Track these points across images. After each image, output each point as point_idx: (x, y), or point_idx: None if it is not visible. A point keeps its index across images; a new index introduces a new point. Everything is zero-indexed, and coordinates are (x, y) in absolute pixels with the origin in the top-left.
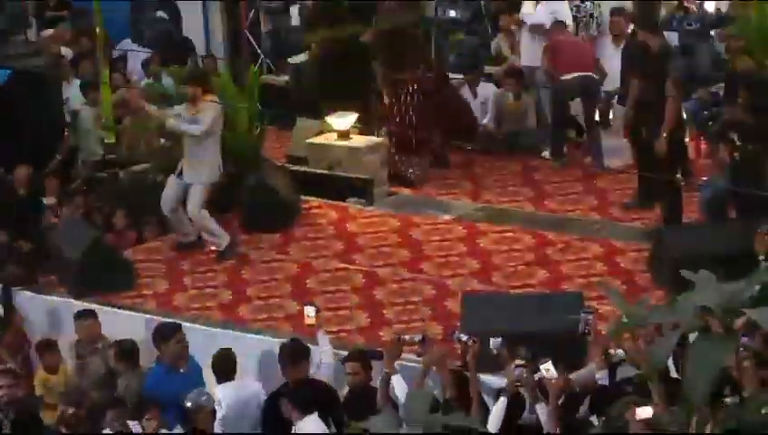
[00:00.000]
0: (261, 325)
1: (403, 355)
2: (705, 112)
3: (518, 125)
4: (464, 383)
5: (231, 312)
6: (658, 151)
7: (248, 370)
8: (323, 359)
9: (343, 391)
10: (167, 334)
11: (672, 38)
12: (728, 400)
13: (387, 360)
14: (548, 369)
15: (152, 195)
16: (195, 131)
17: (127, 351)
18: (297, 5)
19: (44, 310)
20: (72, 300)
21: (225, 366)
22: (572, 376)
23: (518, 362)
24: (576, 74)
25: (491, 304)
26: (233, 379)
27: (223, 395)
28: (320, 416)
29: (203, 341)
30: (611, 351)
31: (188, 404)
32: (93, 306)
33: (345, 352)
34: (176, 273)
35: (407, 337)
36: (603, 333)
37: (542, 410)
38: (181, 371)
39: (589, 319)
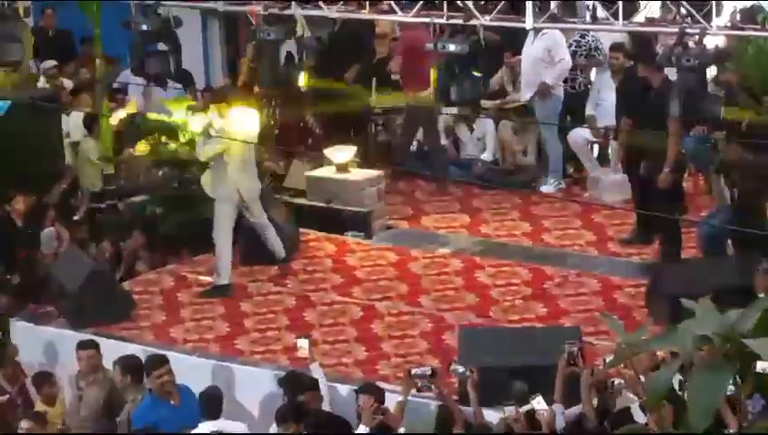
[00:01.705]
0: (258, 358)
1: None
2: (704, 148)
3: (518, 160)
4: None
5: (228, 344)
6: (659, 187)
7: (244, 402)
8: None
9: None
10: (151, 366)
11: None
12: (732, 431)
13: (403, 390)
14: (539, 403)
15: (150, 226)
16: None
17: (132, 366)
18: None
19: (42, 341)
20: (70, 331)
21: (211, 404)
22: (567, 412)
23: (506, 402)
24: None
25: (488, 338)
26: (218, 417)
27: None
28: None
29: (199, 373)
30: (614, 381)
31: None
32: (91, 338)
33: (340, 385)
34: (173, 305)
35: (418, 371)
36: (598, 366)
37: None
38: (171, 402)
39: (573, 351)
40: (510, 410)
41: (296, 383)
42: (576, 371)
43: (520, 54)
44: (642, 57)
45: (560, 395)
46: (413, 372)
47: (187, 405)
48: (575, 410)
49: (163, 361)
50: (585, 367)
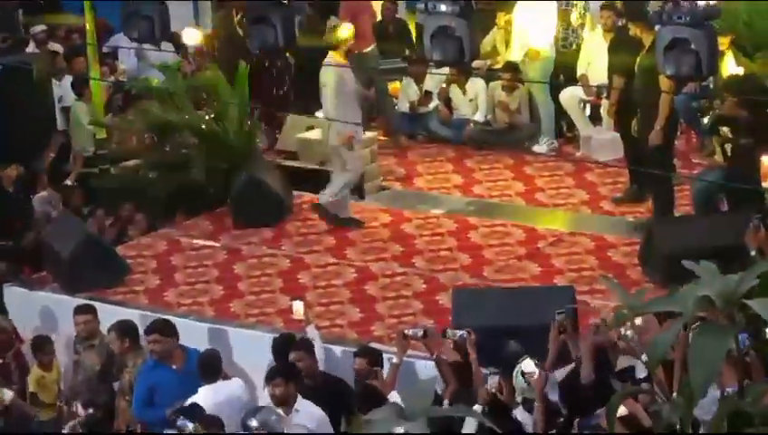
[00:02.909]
0: (253, 320)
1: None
2: (696, 105)
3: (511, 119)
4: (462, 375)
5: (223, 307)
6: (652, 145)
7: (241, 365)
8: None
9: None
10: (146, 331)
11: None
12: (729, 390)
13: (397, 352)
14: (527, 365)
15: (142, 191)
16: None
17: (129, 329)
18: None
19: (37, 306)
20: (65, 296)
21: (210, 367)
22: (557, 373)
23: (491, 369)
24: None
25: (481, 299)
26: (217, 380)
27: (204, 398)
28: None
29: (194, 336)
30: (624, 331)
31: (253, 422)
32: (88, 302)
33: (335, 347)
34: (167, 268)
35: (410, 331)
36: (590, 324)
37: (522, 416)
38: (173, 366)
39: (563, 319)
40: (493, 381)
41: (284, 343)
42: (566, 339)
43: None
44: (632, 16)
45: (551, 364)
46: (406, 332)
47: (190, 369)
48: (567, 368)
49: (156, 326)
50: (577, 333)
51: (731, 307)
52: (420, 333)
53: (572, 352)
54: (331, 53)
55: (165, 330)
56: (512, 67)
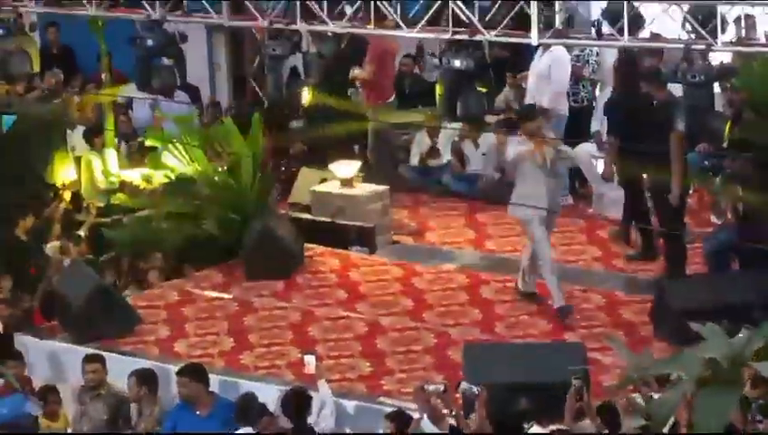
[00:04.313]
0: (263, 373)
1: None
2: (708, 164)
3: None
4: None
5: (233, 359)
6: (665, 204)
7: None
8: (324, 408)
9: None
10: (177, 373)
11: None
12: None
13: (419, 408)
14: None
15: (154, 242)
16: None
17: (148, 377)
18: (300, 54)
19: (46, 355)
20: (75, 345)
21: (246, 410)
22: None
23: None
24: None
25: (492, 354)
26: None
27: None
28: None
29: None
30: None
31: None
32: (97, 352)
33: (345, 401)
34: (178, 319)
35: (430, 387)
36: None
37: None
38: (197, 412)
39: (579, 385)
40: (435, 388)
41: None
42: (584, 406)
43: (523, 73)
44: (645, 74)
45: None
46: (426, 388)
47: (216, 416)
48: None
49: (187, 369)
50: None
51: (737, 369)
52: (441, 388)
53: (587, 416)
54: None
55: (195, 375)
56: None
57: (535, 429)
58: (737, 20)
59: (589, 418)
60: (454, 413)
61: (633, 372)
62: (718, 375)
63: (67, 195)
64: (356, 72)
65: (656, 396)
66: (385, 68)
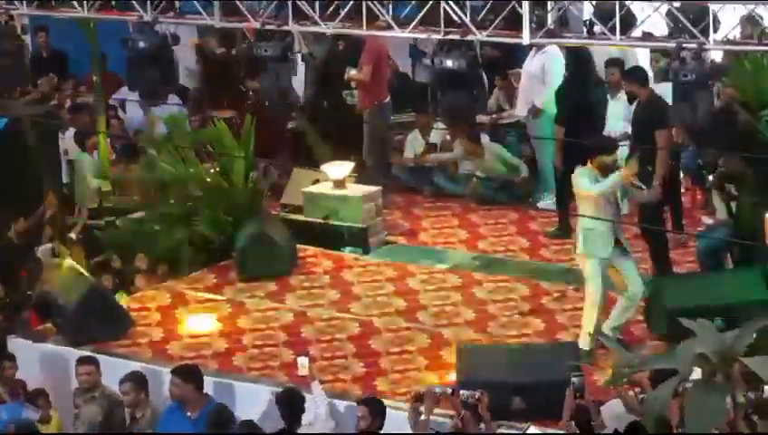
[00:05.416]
0: (256, 374)
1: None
2: (701, 162)
3: (514, 175)
4: None
5: (226, 360)
6: (651, 200)
7: (243, 418)
8: (318, 410)
9: None
10: (171, 372)
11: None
12: None
13: (426, 410)
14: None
15: (148, 243)
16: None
17: (143, 380)
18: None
19: (39, 358)
20: (68, 348)
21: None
22: None
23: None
24: None
25: (486, 355)
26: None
27: None
28: None
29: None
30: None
31: None
32: (90, 354)
33: (338, 401)
34: (171, 321)
35: (438, 390)
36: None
37: None
38: (188, 413)
39: (578, 382)
40: (443, 390)
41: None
42: (584, 404)
43: (514, 70)
44: (627, 73)
45: (565, 426)
46: (434, 390)
47: (204, 419)
48: None
49: (179, 370)
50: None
51: (728, 365)
52: (449, 390)
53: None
54: None
55: (187, 376)
56: (515, 124)
57: (533, 429)
58: (749, 18)
59: (592, 414)
60: (461, 416)
61: (624, 368)
62: (709, 371)
63: (59, 197)
64: (352, 73)
65: None
66: (380, 69)
